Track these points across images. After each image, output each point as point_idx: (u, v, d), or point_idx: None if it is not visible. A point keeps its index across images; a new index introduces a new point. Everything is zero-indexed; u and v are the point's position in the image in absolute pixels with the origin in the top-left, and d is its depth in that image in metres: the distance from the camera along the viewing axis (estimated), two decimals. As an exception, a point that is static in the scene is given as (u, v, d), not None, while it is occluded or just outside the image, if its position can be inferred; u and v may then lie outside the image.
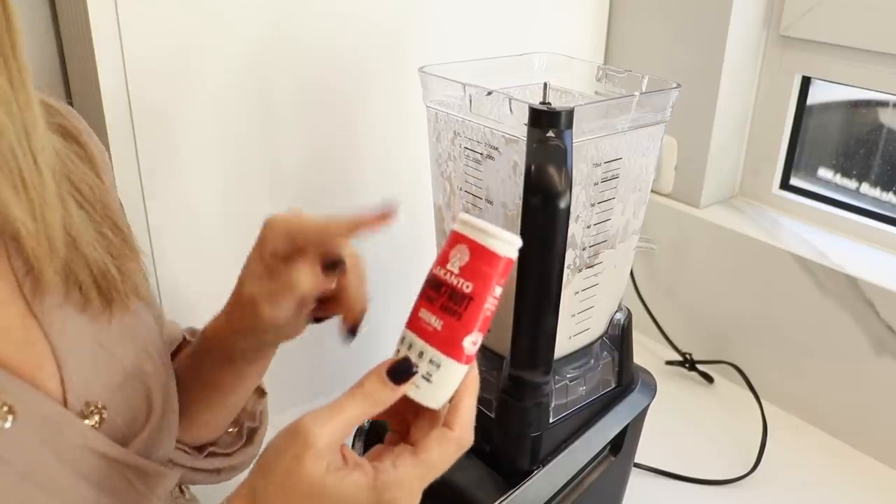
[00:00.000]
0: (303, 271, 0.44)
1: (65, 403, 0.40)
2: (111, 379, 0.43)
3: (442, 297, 0.41)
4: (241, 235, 0.82)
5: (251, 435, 0.60)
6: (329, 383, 0.93)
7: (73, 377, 0.41)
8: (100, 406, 0.42)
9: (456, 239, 0.41)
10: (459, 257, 0.41)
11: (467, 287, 0.40)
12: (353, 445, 0.68)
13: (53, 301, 0.41)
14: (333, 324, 0.54)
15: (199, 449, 0.57)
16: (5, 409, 0.37)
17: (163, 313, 0.56)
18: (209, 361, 0.52)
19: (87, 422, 0.41)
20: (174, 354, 0.56)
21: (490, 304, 0.40)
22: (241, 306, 0.48)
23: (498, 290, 0.40)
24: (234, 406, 0.56)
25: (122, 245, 0.44)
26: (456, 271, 0.40)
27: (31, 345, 0.40)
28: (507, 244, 0.40)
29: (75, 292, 0.41)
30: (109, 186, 0.49)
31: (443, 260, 0.41)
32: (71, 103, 0.75)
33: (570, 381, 0.64)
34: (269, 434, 0.61)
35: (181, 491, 0.56)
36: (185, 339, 0.58)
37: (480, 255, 0.40)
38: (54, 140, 0.42)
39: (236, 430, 0.59)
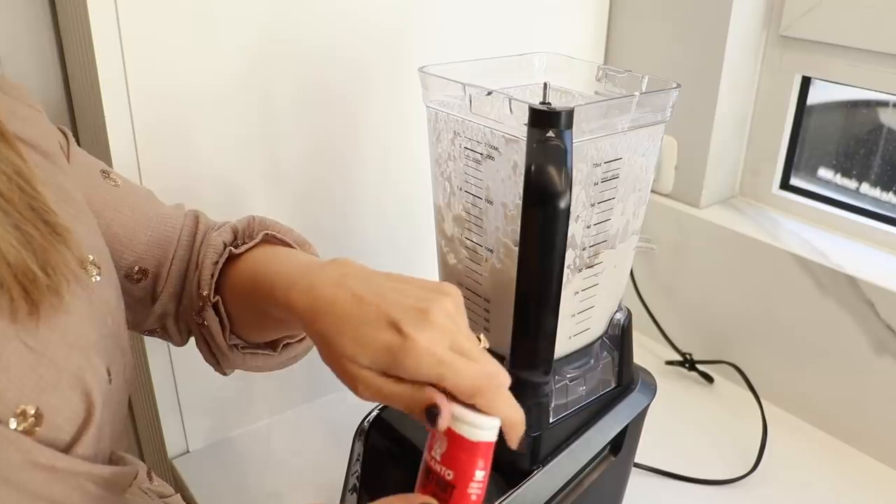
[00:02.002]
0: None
1: None
2: (43, 380, 0.40)
3: (431, 484, 0.42)
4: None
5: None
6: (328, 385, 0.93)
7: None
8: (34, 411, 0.39)
9: None
10: (440, 444, 0.42)
11: (449, 475, 0.42)
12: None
13: None
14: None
15: (273, 345, 0.60)
16: None
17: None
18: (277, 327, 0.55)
19: (21, 426, 0.39)
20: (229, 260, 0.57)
21: (474, 489, 0.42)
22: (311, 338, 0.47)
23: (480, 475, 0.42)
24: None
25: (48, 238, 0.41)
26: (438, 459, 0.42)
27: None
28: (481, 429, 0.42)
29: (1, 298, 0.39)
30: (53, 151, 0.46)
31: (429, 446, 0.43)
32: (71, 104, 0.76)
33: (570, 381, 0.64)
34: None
35: (149, 478, 0.56)
36: (231, 251, 0.57)
37: (457, 443, 0.42)
38: None
39: None
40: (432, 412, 0.41)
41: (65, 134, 0.53)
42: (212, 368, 0.62)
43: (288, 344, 0.61)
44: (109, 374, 0.45)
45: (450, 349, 0.43)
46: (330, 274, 0.47)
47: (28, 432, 0.39)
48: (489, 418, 0.42)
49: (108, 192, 0.55)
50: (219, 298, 0.56)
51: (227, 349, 0.58)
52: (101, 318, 0.46)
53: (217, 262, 0.57)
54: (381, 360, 0.43)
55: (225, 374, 0.62)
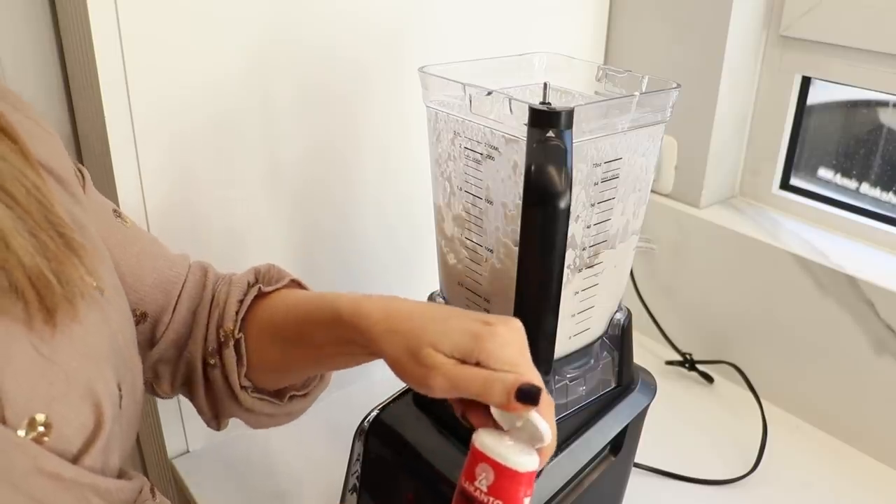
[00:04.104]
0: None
1: (3, 420, 0.38)
2: (54, 389, 0.41)
3: None
4: (241, 236, 0.82)
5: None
6: (328, 385, 0.93)
7: (10, 391, 0.38)
8: (43, 419, 0.40)
9: (479, 457, 0.44)
10: (485, 476, 0.43)
11: None
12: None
13: None
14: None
15: (280, 394, 0.59)
16: None
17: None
18: (317, 353, 0.54)
19: (30, 434, 0.39)
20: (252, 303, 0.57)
21: None
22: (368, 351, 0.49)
23: (527, 501, 0.43)
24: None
25: (61, 250, 0.42)
26: (484, 489, 0.43)
27: None
28: (528, 457, 0.43)
29: (17, 304, 0.39)
30: (69, 179, 0.47)
31: (470, 475, 0.44)
32: (71, 104, 0.76)
33: (570, 381, 0.64)
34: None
35: (152, 494, 0.56)
36: (260, 289, 0.58)
37: (505, 475, 0.43)
38: None
39: None
40: (529, 390, 0.42)
41: (80, 171, 0.53)
42: None
43: (294, 396, 0.61)
44: (120, 391, 0.46)
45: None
46: (403, 299, 0.50)
47: (37, 441, 0.39)
48: (531, 449, 0.43)
49: (118, 232, 0.55)
50: (242, 335, 0.56)
51: (238, 390, 0.57)
52: (112, 334, 0.46)
53: (243, 300, 0.57)
54: (463, 343, 0.44)
55: (219, 428, 0.61)
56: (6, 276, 0.39)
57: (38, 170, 0.43)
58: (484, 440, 0.44)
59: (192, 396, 0.60)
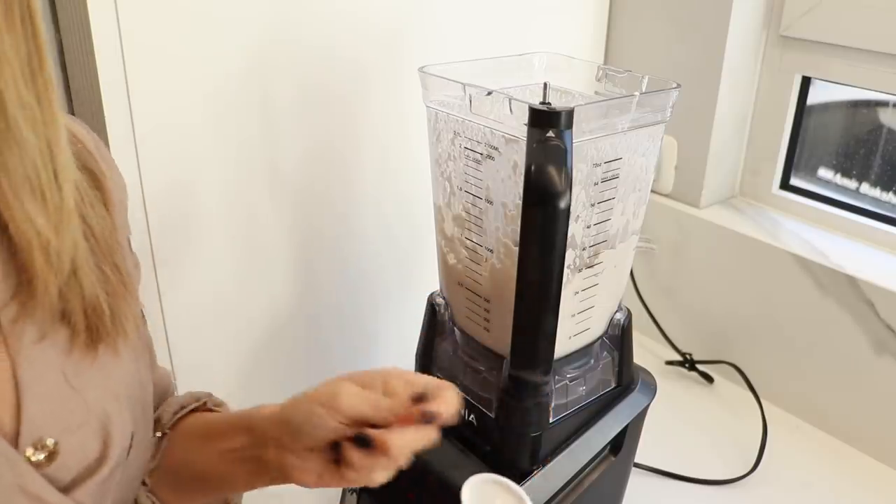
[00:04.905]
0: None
1: (17, 435, 0.39)
2: (71, 419, 0.41)
3: None
4: (241, 237, 0.82)
5: None
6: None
7: (29, 409, 0.39)
8: (52, 446, 0.40)
9: None
10: None
11: None
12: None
13: (33, 332, 0.40)
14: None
15: None
16: None
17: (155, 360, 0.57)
18: (215, 451, 0.53)
19: (37, 457, 0.40)
20: (190, 412, 0.57)
21: None
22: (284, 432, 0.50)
23: None
24: (228, 495, 0.58)
25: (118, 285, 0.44)
26: None
27: None
28: None
29: (61, 330, 0.40)
30: (120, 227, 0.48)
31: None
32: (71, 104, 0.76)
33: (570, 381, 0.64)
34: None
35: None
36: (205, 403, 0.58)
37: None
38: (79, 175, 0.43)
39: None
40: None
41: (135, 256, 0.54)
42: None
43: None
44: (132, 439, 0.46)
45: None
46: None
47: (39, 464, 0.40)
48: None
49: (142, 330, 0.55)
50: (169, 432, 0.56)
51: (139, 484, 0.55)
52: (139, 382, 0.48)
53: (185, 406, 0.57)
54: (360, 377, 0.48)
55: None
56: (63, 303, 0.40)
57: (115, 221, 0.46)
58: None
59: None
